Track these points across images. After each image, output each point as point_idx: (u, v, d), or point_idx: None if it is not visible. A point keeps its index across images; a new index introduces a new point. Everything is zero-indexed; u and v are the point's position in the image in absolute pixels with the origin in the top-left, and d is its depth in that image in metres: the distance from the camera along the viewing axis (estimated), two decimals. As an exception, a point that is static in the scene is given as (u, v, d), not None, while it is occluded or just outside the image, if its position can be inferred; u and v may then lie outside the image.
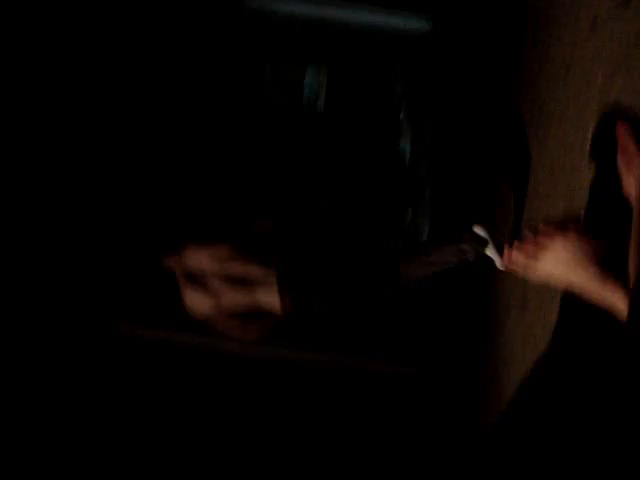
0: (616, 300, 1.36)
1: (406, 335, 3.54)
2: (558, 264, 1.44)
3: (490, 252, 2.85)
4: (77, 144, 4.74)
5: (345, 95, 7.82)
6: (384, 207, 8.08)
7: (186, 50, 5.91)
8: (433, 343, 4.52)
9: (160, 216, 3.28)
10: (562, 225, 1.50)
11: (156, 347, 4.48)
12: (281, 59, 7.72)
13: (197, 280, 2.70)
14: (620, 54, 2.20)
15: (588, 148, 2.36)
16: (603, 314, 1.41)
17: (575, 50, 2.72)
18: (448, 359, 4.51)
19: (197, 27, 5.99)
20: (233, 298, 2.68)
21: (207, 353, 3.96)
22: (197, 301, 2.69)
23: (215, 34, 6.37)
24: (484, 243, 2.73)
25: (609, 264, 1.39)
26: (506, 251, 1.67)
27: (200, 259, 2.69)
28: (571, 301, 1.99)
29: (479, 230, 2.79)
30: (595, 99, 2.38)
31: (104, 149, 4.94)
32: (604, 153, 2.14)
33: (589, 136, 2.37)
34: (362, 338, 3.54)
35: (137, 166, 5.19)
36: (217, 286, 2.67)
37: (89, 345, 4.73)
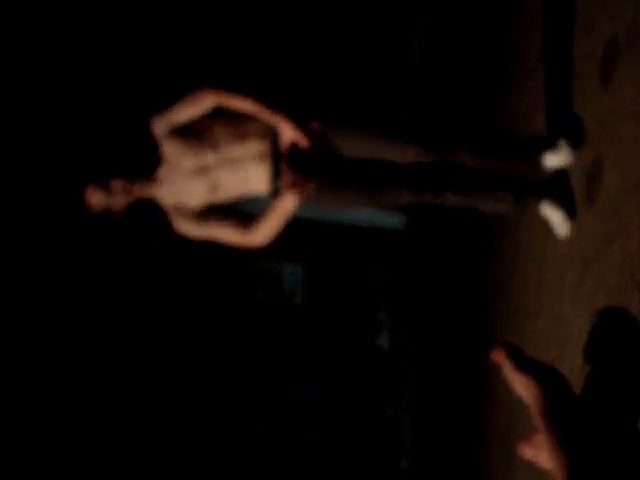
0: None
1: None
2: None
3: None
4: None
5: (323, 291, 7.91)
6: (364, 402, 7.92)
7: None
8: None
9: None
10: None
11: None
12: (260, 256, 7.87)
13: None
14: (589, 253, 2.25)
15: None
16: None
17: (547, 248, 2.78)
18: None
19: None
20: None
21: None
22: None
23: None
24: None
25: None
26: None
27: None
28: None
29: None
30: (568, 295, 2.40)
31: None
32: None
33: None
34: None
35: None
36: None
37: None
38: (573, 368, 2.23)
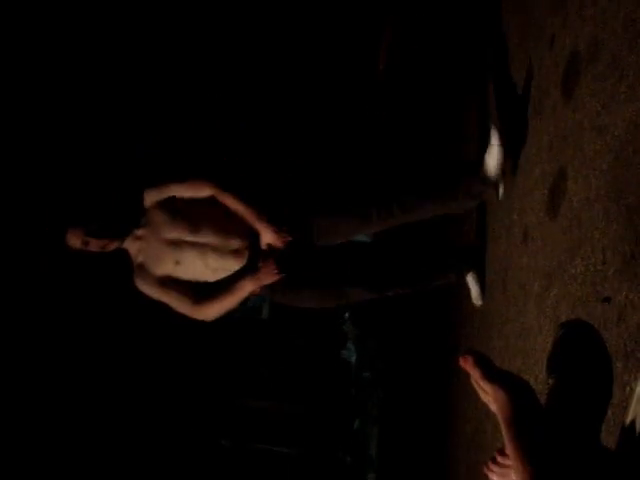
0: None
1: None
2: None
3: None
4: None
5: (287, 312, 7.90)
6: (331, 415, 7.90)
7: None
8: None
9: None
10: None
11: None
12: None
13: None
14: (552, 265, 2.27)
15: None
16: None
17: (511, 260, 2.80)
18: None
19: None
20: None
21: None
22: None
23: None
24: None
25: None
26: None
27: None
28: None
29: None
30: (533, 307, 2.42)
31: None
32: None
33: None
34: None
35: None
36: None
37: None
38: (538, 378, 2.25)
